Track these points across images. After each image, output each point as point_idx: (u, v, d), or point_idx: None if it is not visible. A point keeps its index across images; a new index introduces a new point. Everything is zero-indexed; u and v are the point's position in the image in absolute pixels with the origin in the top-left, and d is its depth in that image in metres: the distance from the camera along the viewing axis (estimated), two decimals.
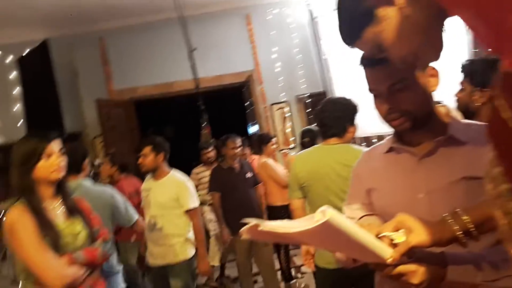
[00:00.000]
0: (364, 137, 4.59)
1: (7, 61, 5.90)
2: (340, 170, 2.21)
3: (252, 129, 6.77)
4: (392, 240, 0.90)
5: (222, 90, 6.44)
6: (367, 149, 1.39)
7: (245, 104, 6.86)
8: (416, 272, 0.90)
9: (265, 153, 4.50)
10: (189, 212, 3.11)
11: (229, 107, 7.67)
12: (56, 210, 1.85)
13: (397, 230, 0.91)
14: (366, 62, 1.12)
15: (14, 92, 5.85)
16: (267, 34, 6.15)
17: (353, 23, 0.89)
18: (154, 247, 3.15)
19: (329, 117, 2.24)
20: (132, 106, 6.11)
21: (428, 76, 1.11)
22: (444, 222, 0.90)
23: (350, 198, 1.30)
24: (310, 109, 6.04)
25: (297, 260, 4.91)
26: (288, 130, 6.33)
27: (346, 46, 0.97)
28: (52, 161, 1.81)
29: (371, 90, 1.14)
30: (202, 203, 4.16)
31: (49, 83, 5.06)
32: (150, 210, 3.16)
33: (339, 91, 5.35)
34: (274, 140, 4.72)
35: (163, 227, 3.09)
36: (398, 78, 1.07)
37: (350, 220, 0.89)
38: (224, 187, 3.90)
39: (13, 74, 5.84)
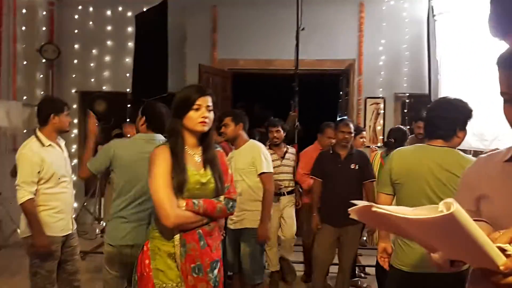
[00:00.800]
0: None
1: (127, 15, 6.35)
2: (439, 173, 2.11)
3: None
4: (505, 250, 0.85)
5: (319, 75, 6.38)
6: (482, 155, 1.32)
7: (339, 93, 6.74)
8: None
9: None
10: (262, 176, 3.25)
11: (322, 94, 7.56)
12: (193, 157, 1.97)
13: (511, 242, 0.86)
14: (507, 62, 1.04)
15: (128, 45, 6.31)
16: (378, 25, 5.95)
17: None
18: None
19: (439, 117, 2.13)
20: (230, 77, 6.29)
21: None
22: None
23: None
24: (407, 110, 5.79)
25: (362, 260, 4.82)
26: (379, 127, 6.14)
27: (494, 37, 0.91)
28: (200, 114, 1.93)
29: (503, 93, 1.07)
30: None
31: (161, 42, 5.36)
32: None
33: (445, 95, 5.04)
34: (364, 133, 4.60)
35: (242, 191, 3.24)
36: None
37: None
38: (323, 173, 3.70)
39: (130, 29, 6.29)
